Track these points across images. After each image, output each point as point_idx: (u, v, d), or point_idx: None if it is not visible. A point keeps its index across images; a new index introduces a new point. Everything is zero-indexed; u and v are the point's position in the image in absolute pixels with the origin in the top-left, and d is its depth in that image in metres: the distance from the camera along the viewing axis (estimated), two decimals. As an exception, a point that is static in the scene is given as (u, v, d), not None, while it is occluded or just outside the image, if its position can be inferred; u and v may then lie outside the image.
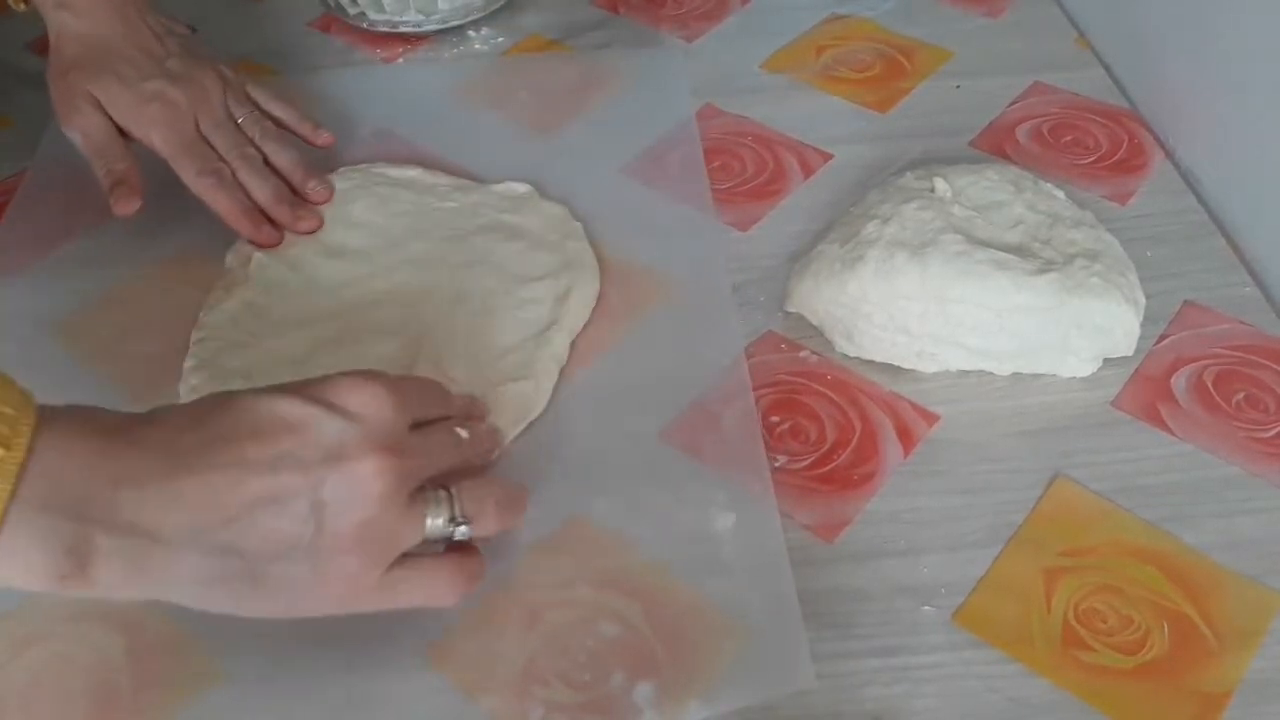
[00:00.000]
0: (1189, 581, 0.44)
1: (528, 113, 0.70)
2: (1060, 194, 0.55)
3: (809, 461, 0.49)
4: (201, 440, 0.36)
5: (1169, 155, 0.64)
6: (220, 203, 0.58)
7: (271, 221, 0.59)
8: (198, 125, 0.59)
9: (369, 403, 0.38)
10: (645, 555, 0.46)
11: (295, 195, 0.61)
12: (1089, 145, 0.65)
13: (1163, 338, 0.53)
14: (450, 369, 0.52)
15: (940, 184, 0.53)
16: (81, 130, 0.58)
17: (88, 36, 0.60)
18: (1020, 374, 0.52)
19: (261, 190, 0.59)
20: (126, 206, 0.57)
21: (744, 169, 0.65)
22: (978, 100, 0.69)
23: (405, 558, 0.39)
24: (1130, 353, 0.51)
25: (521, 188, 0.63)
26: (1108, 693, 0.41)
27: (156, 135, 0.58)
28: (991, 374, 0.52)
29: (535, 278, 0.57)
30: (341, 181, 0.63)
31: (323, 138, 0.64)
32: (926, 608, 0.44)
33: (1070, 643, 0.42)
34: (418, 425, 0.41)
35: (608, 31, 0.77)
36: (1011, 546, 0.45)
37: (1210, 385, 0.51)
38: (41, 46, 0.79)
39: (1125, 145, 0.65)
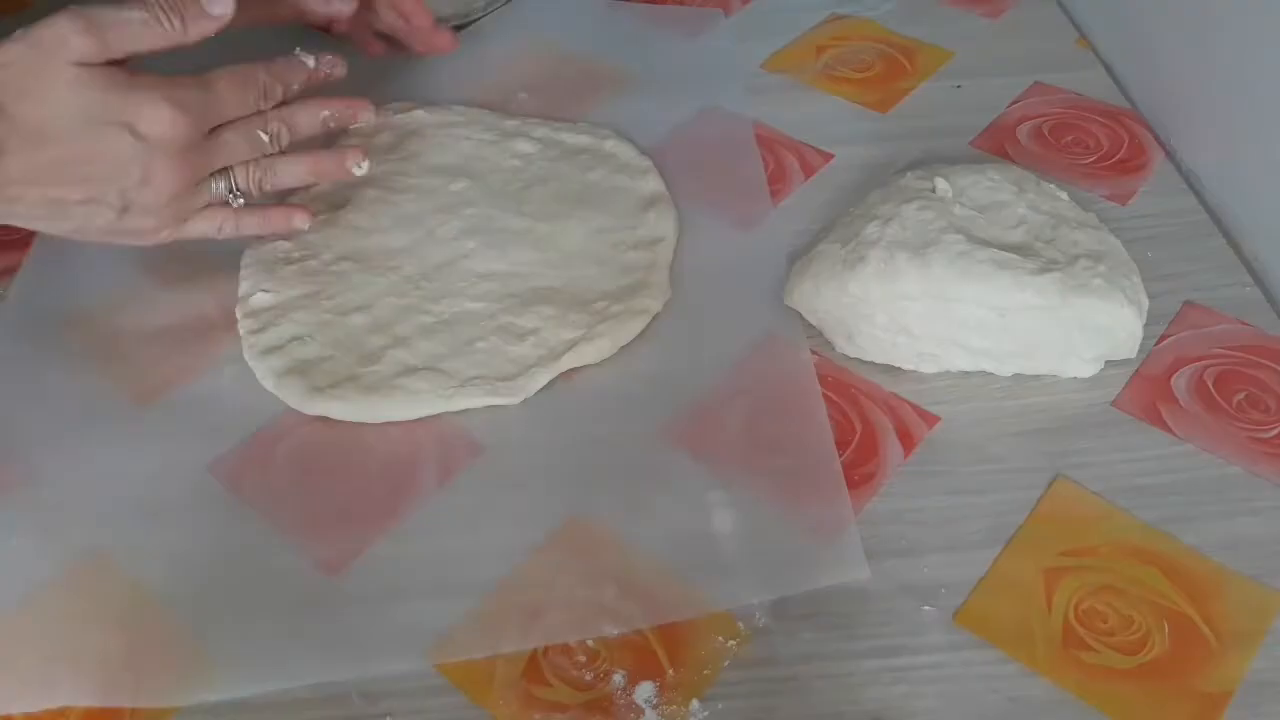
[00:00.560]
0: (1189, 582, 0.44)
1: (528, 112, 0.70)
2: (1063, 195, 0.55)
3: (809, 461, 0.49)
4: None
5: (1169, 155, 0.64)
6: None
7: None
8: None
9: (159, 123, 0.47)
10: (645, 555, 0.46)
11: None
12: (1089, 145, 0.65)
13: (1163, 338, 0.53)
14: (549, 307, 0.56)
15: (941, 184, 0.53)
16: None
17: None
18: (1021, 374, 0.52)
19: None
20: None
21: (744, 169, 0.65)
22: (978, 100, 0.69)
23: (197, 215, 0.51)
24: (1133, 355, 0.51)
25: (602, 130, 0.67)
26: (1108, 693, 0.41)
27: None
28: (992, 375, 0.52)
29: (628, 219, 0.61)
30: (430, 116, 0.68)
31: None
32: (927, 608, 0.44)
33: (1071, 643, 0.42)
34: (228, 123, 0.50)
35: (608, 31, 0.77)
36: (1012, 547, 0.45)
37: (1211, 385, 0.51)
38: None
39: (1126, 145, 0.65)
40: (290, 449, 0.51)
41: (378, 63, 0.74)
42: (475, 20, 0.78)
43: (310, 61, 0.54)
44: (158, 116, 0.47)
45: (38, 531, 0.48)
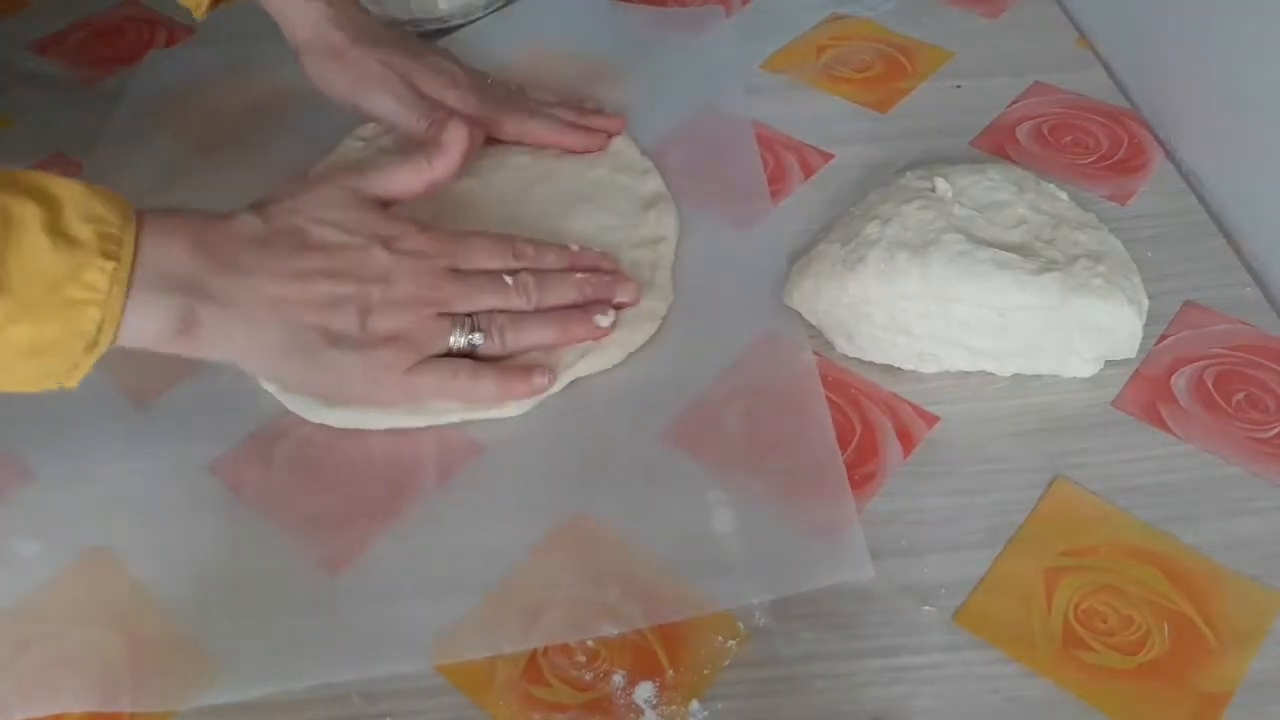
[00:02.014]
0: (1189, 582, 0.44)
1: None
2: (1063, 195, 0.55)
3: (809, 461, 0.49)
4: (279, 246, 0.48)
5: (1169, 155, 0.64)
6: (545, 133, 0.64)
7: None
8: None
9: (415, 246, 0.51)
10: (645, 555, 0.46)
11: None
12: (1089, 145, 0.65)
13: (1163, 338, 0.53)
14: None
15: (941, 184, 0.53)
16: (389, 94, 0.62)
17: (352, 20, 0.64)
18: (1021, 374, 0.52)
19: (565, 114, 0.66)
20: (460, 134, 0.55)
21: (744, 169, 0.65)
22: (978, 100, 0.69)
23: (427, 361, 0.50)
24: (1133, 355, 0.51)
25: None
26: (1108, 693, 0.41)
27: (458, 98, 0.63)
28: (992, 375, 0.52)
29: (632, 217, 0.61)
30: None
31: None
32: (927, 608, 0.44)
33: (1070, 643, 0.42)
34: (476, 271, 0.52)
35: (608, 31, 0.77)
36: (1012, 547, 0.45)
37: (1211, 385, 0.51)
38: (41, 47, 0.80)
39: (1125, 145, 0.65)
40: (290, 449, 0.51)
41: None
42: (475, 20, 0.78)
43: (574, 246, 0.56)
44: (420, 236, 0.51)
45: (38, 532, 0.48)
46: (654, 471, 0.49)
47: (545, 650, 0.43)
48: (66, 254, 0.41)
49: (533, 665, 0.42)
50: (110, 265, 0.42)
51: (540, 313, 0.53)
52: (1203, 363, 0.52)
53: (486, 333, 0.51)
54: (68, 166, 0.68)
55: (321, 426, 0.51)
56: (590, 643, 0.43)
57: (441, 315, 0.50)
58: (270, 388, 0.53)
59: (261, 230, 0.48)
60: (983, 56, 0.72)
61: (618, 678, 0.42)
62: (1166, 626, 0.43)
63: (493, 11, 0.78)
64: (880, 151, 0.65)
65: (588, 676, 0.42)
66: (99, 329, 0.42)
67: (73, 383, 0.43)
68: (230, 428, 0.52)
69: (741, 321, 0.55)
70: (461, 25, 0.77)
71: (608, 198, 0.62)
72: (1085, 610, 0.43)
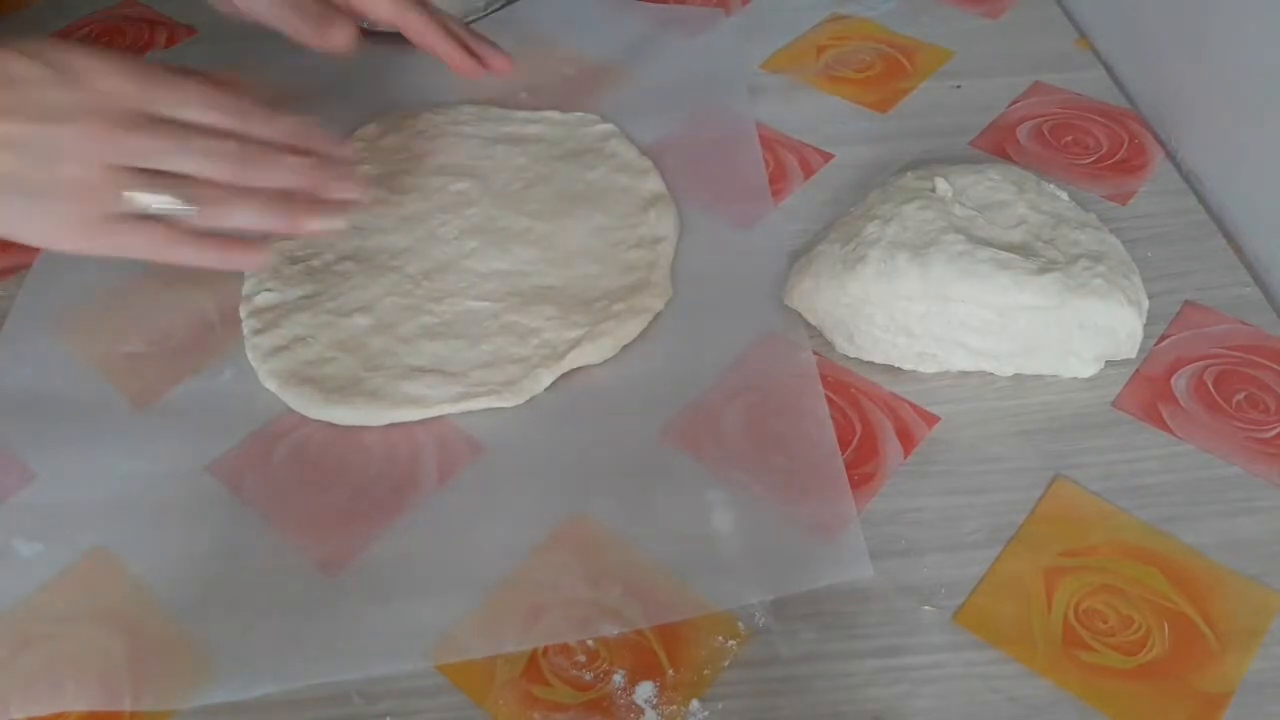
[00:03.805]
0: (1189, 581, 0.44)
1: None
2: (1064, 195, 0.55)
3: (809, 461, 0.49)
4: None
5: (1169, 155, 0.64)
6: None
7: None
8: None
9: (102, 76, 0.44)
10: (645, 555, 0.46)
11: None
12: (1089, 145, 0.65)
13: (1163, 338, 0.53)
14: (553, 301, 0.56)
15: (941, 184, 0.53)
16: None
17: None
18: (1021, 374, 0.52)
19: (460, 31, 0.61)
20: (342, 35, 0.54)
21: (744, 169, 0.65)
22: (978, 100, 0.69)
23: (127, 219, 0.44)
24: (1133, 355, 0.51)
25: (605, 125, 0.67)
26: (1108, 693, 0.41)
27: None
28: (992, 375, 0.52)
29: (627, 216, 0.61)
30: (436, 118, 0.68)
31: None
32: (927, 608, 0.44)
33: (1071, 643, 0.42)
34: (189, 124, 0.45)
35: (608, 31, 0.77)
36: (1012, 547, 0.45)
37: (1211, 385, 0.51)
38: (42, 46, 0.80)
39: (1125, 145, 0.65)
40: (290, 449, 0.51)
41: (380, 64, 0.74)
42: (475, 20, 0.78)
43: (339, 150, 0.50)
44: (110, 72, 0.44)
45: (38, 532, 0.48)
46: (655, 471, 0.49)
47: (545, 650, 0.43)
48: None
49: (533, 665, 0.42)
50: None
51: (248, 192, 0.46)
52: (1203, 363, 0.52)
53: (196, 203, 0.45)
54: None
55: (321, 426, 0.51)
56: (590, 642, 0.43)
57: (125, 170, 0.44)
58: (271, 385, 0.53)
59: None
60: (983, 56, 0.72)
61: (618, 677, 0.42)
62: (1166, 626, 0.43)
63: (493, 11, 0.78)
64: (880, 151, 0.65)
65: (588, 676, 0.42)
66: None
67: None
68: (230, 428, 0.52)
69: (742, 321, 0.55)
70: (461, 25, 0.77)
71: (607, 198, 0.62)
72: (1085, 610, 0.43)
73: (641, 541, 0.46)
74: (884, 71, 0.72)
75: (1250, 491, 0.47)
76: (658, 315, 0.56)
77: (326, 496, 0.49)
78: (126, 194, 0.44)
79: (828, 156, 0.65)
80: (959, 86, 0.70)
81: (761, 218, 0.61)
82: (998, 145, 0.65)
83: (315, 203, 0.49)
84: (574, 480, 0.49)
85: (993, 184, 0.54)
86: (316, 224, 0.48)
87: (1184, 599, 0.43)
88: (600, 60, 0.74)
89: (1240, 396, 0.51)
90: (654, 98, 0.70)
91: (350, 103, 0.70)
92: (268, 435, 0.51)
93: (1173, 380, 0.52)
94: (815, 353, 0.54)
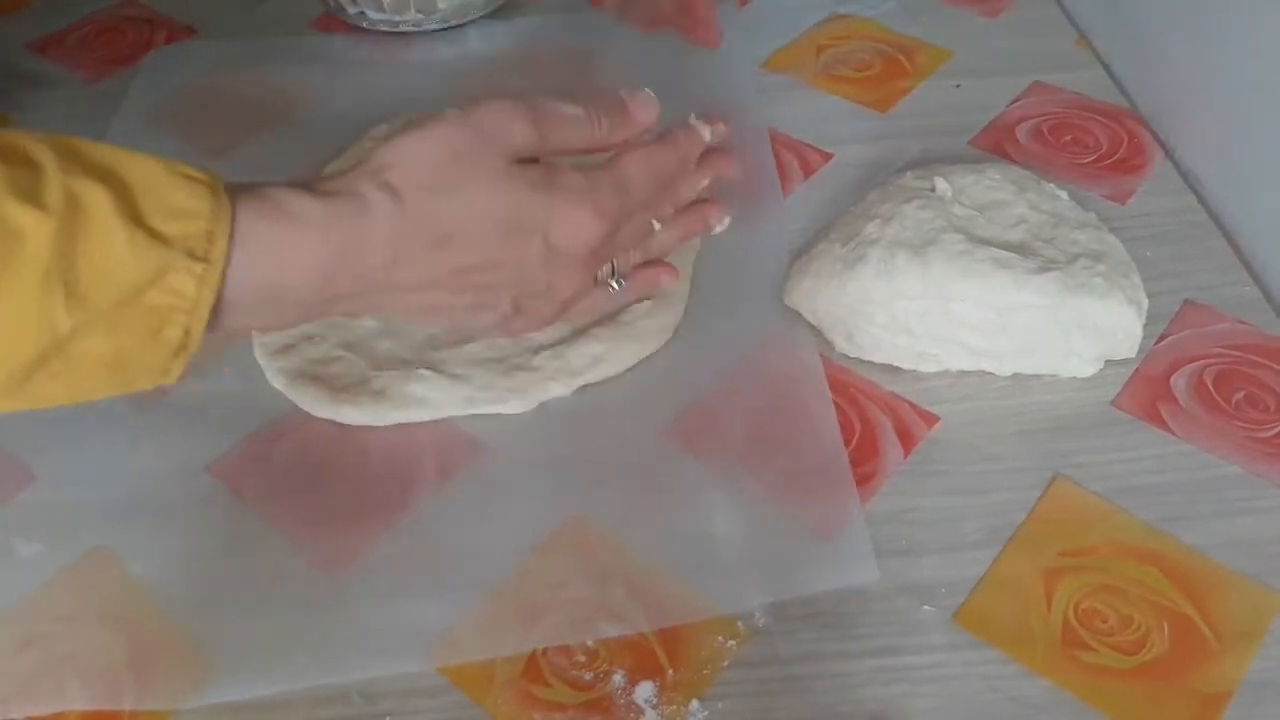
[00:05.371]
0: (1189, 581, 0.44)
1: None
2: (1063, 194, 0.55)
3: (809, 461, 0.49)
4: (417, 242, 0.40)
5: (1169, 155, 0.64)
6: None
7: None
8: None
9: (579, 231, 0.43)
10: (645, 555, 0.46)
11: None
12: (1089, 145, 0.65)
13: (1163, 337, 0.53)
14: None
15: (941, 183, 0.53)
16: None
17: None
18: (1021, 374, 0.52)
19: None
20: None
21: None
22: (978, 100, 0.69)
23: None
24: (1132, 354, 0.51)
25: None
26: (1108, 693, 0.41)
27: None
28: (992, 374, 0.52)
29: None
30: None
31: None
32: (926, 608, 0.44)
33: (1070, 643, 0.42)
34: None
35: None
36: (1011, 546, 0.45)
37: (1210, 385, 0.51)
38: (41, 47, 0.80)
39: (1125, 145, 0.65)
40: (291, 449, 0.51)
41: (381, 65, 0.74)
42: (475, 20, 0.78)
43: (706, 134, 0.49)
44: (580, 223, 0.43)
45: (39, 532, 0.48)
46: (656, 471, 0.49)
47: (545, 650, 0.43)
48: (147, 253, 0.34)
49: (533, 665, 0.42)
50: (199, 268, 0.35)
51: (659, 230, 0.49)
52: (1202, 362, 0.52)
53: (624, 274, 0.48)
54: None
55: (322, 426, 0.51)
56: (590, 642, 0.43)
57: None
58: (278, 383, 0.52)
59: (397, 224, 0.39)
60: (983, 56, 0.72)
61: (618, 677, 0.42)
62: (1166, 626, 0.43)
63: (491, 11, 0.78)
64: (880, 151, 0.65)
65: (588, 676, 0.42)
66: (186, 334, 0.36)
67: (170, 379, 0.37)
68: (230, 428, 0.52)
69: (744, 321, 0.55)
70: (461, 25, 0.77)
71: None
72: (1085, 610, 0.43)
73: (643, 543, 0.46)
74: (884, 71, 0.72)
75: (1250, 491, 0.47)
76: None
77: (327, 497, 0.49)
78: (593, 287, 0.47)
79: (828, 156, 0.65)
80: (959, 86, 0.70)
81: (764, 217, 0.61)
82: (997, 145, 0.65)
83: (704, 201, 0.50)
84: (575, 481, 0.49)
85: (992, 183, 0.54)
86: (719, 220, 0.51)
87: (1184, 599, 0.43)
88: (601, 59, 0.74)
89: (1240, 396, 0.51)
90: (660, 98, 0.69)
91: (358, 103, 0.70)
92: (268, 435, 0.51)
93: (1172, 380, 0.52)
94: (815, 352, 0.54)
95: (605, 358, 0.53)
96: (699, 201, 0.50)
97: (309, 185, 0.39)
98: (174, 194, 0.35)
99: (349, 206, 0.39)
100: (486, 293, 0.43)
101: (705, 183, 0.50)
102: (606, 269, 0.47)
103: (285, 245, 0.37)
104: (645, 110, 0.46)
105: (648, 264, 0.50)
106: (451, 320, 0.45)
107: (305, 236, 0.38)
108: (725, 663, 0.42)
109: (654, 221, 0.48)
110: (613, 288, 0.48)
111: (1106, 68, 0.71)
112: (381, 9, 0.75)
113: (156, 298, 0.34)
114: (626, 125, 0.45)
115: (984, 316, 0.50)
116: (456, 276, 0.42)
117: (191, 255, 0.35)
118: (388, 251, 0.39)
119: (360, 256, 0.39)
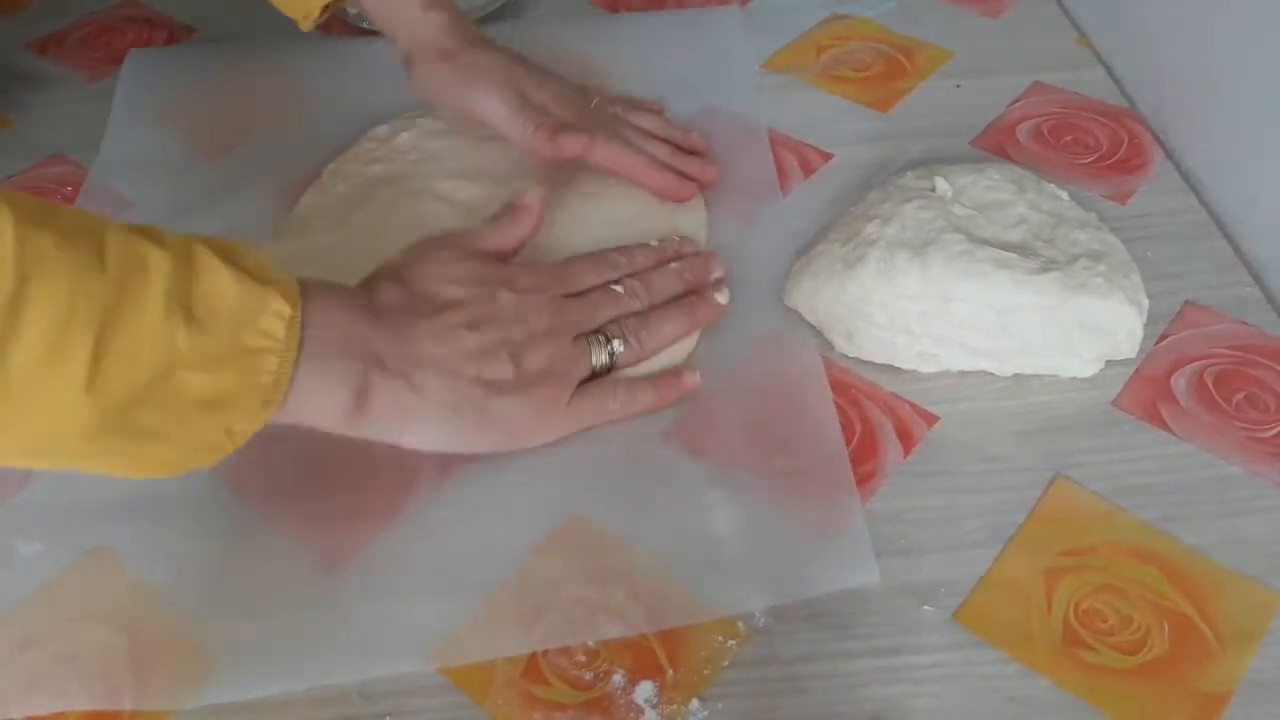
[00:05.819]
0: (1189, 581, 0.44)
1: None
2: (1064, 194, 0.55)
3: (809, 461, 0.49)
4: (421, 308, 0.47)
5: (1169, 155, 0.64)
6: (631, 166, 0.61)
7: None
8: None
9: (530, 283, 0.51)
10: (645, 555, 0.46)
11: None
12: (1089, 145, 0.65)
13: (1163, 337, 0.53)
14: None
15: (941, 183, 0.53)
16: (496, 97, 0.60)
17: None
18: (1021, 374, 0.52)
19: (660, 150, 0.62)
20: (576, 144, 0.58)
21: (744, 169, 0.65)
22: (978, 100, 0.69)
23: (582, 387, 0.50)
24: (1133, 355, 0.51)
25: None
26: (1108, 692, 0.41)
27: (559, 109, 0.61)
28: (992, 374, 0.52)
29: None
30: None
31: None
32: (926, 607, 0.44)
33: (1070, 642, 0.42)
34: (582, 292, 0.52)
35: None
36: (1012, 546, 0.45)
37: (1211, 385, 0.51)
38: (41, 47, 0.80)
39: (1125, 145, 0.65)
40: (290, 448, 0.51)
41: (385, 66, 0.74)
42: (475, 21, 0.78)
43: (653, 242, 0.56)
44: (530, 273, 0.51)
45: (38, 532, 0.48)
46: (657, 471, 0.49)
47: (545, 650, 0.43)
48: (250, 289, 0.39)
49: (533, 665, 0.42)
50: (287, 311, 0.40)
51: (659, 309, 0.53)
52: (1203, 362, 0.52)
53: (623, 339, 0.51)
54: (68, 166, 0.68)
55: (322, 426, 0.51)
56: (590, 643, 0.43)
57: (577, 339, 0.50)
58: None
59: (404, 296, 0.47)
60: (983, 56, 0.72)
61: (618, 677, 0.42)
62: (1166, 626, 0.43)
63: (491, 11, 0.78)
64: (880, 151, 0.65)
65: (588, 676, 0.42)
66: (274, 381, 0.40)
67: (236, 444, 0.41)
68: (230, 427, 0.52)
69: (745, 321, 0.55)
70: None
71: (629, 196, 0.61)
72: (1085, 610, 0.43)
73: (644, 543, 0.46)
74: (884, 71, 0.72)
75: (1250, 491, 0.47)
76: None
77: (326, 496, 0.49)
78: (589, 358, 0.50)
79: (828, 156, 0.65)
80: (959, 86, 0.70)
81: (764, 217, 0.61)
82: (998, 145, 0.65)
83: (703, 288, 0.55)
84: (575, 480, 0.49)
85: (993, 183, 0.54)
86: (721, 301, 0.55)
87: (1184, 598, 0.43)
88: (602, 59, 0.74)
89: (1240, 396, 0.51)
90: (654, 98, 0.70)
91: (358, 103, 0.70)
92: (268, 435, 0.51)
93: (1172, 380, 0.52)
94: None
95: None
96: (691, 293, 0.54)
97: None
98: (258, 253, 0.41)
99: (359, 285, 0.48)
100: (480, 339, 0.47)
101: (676, 265, 0.55)
102: (603, 351, 0.51)
103: (335, 291, 0.45)
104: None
105: (672, 372, 0.52)
106: (462, 373, 0.46)
107: (335, 285, 0.46)
108: (725, 663, 0.42)
109: (618, 288, 0.53)
110: (612, 352, 0.51)
111: (1106, 68, 0.71)
112: (382, 9, 0.75)
113: (251, 339, 0.39)
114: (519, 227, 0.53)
115: (984, 317, 0.50)
116: (452, 330, 0.47)
117: (283, 297, 0.40)
118: (394, 302, 0.47)
119: (375, 300, 0.47)
